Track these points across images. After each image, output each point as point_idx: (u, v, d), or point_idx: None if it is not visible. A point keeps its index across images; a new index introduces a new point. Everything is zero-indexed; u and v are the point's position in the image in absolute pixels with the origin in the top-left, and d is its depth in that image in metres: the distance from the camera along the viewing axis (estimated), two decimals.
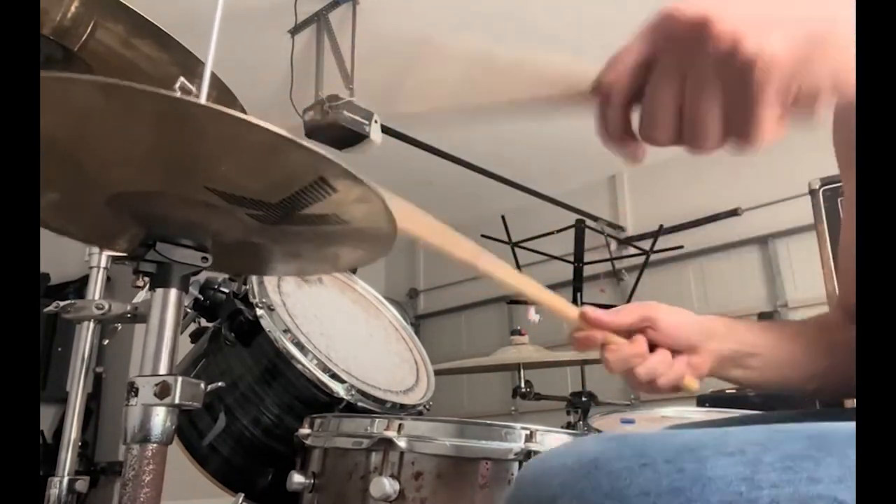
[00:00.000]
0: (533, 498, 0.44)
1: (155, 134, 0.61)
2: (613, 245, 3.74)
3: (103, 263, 1.11)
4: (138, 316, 0.97)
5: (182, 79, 0.76)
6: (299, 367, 1.16)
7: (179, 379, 0.70)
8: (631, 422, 1.56)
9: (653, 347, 0.70)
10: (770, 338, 0.76)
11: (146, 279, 0.76)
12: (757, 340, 0.75)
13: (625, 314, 0.70)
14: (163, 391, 0.69)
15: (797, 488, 0.38)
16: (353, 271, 1.60)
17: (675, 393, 0.72)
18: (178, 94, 0.54)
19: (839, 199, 1.72)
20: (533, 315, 2.43)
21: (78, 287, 3.44)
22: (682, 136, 0.40)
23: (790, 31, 0.38)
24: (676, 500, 0.39)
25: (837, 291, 0.83)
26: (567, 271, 3.16)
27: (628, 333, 0.70)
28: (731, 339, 0.74)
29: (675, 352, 0.71)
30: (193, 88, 0.75)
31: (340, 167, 0.62)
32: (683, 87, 0.39)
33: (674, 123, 0.40)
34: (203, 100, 0.73)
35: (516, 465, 0.88)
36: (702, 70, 0.38)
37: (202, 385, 0.73)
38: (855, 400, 0.42)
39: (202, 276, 1.19)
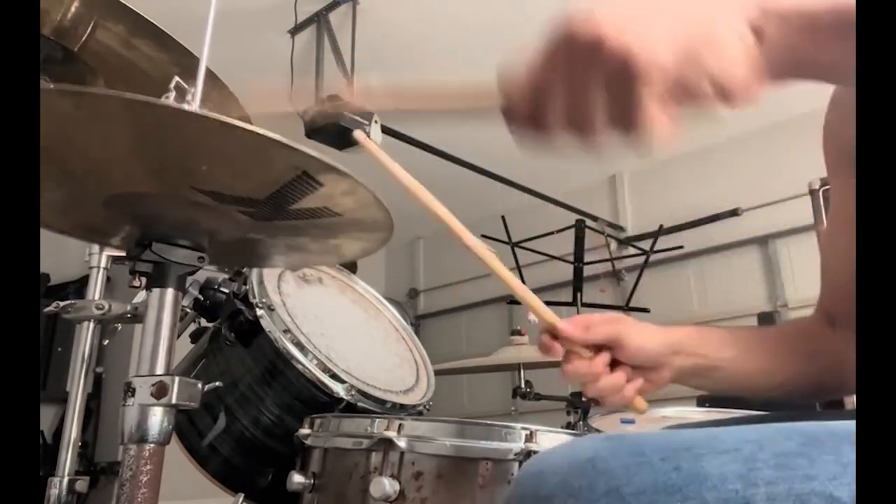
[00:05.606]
0: (531, 497, 0.44)
1: (134, 137, 0.61)
2: (613, 245, 3.73)
3: (103, 263, 1.11)
4: (138, 316, 0.97)
5: (177, 78, 0.76)
6: (299, 367, 1.16)
7: (176, 379, 0.70)
8: (631, 422, 1.55)
9: (617, 362, 0.72)
10: (739, 348, 0.78)
11: (143, 279, 0.76)
12: (724, 353, 0.77)
13: (594, 333, 0.72)
14: (160, 391, 0.69)
15: (792, 485, 0.39)
16: (354, 270, 1.60)
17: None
18: (144, 98, 0.54)
19: None
20: (533, 315, 2.43)
21: (78, 287, 3.43)
22: (572, 125, 0.45)
23: (674, 30, 0.42)
24: (673, 498, 0.39)
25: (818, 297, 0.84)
26: (567, 271, 3.15)
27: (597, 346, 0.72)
28: (696, 354, 0.76)
29: (638, 367, 0.73)
30: (191, 89, 0.75)
31: (322, 161, 0.62)
32: (577, 86, 0.44)
33: (566, 114, 0.45)
34: (196, 103, 0.73)
35: (516, 465, 0.87)
36: (594, 76, 0.43)
37: (199, 385, 0.73)
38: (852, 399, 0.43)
39: (202, 277, 1.19)
